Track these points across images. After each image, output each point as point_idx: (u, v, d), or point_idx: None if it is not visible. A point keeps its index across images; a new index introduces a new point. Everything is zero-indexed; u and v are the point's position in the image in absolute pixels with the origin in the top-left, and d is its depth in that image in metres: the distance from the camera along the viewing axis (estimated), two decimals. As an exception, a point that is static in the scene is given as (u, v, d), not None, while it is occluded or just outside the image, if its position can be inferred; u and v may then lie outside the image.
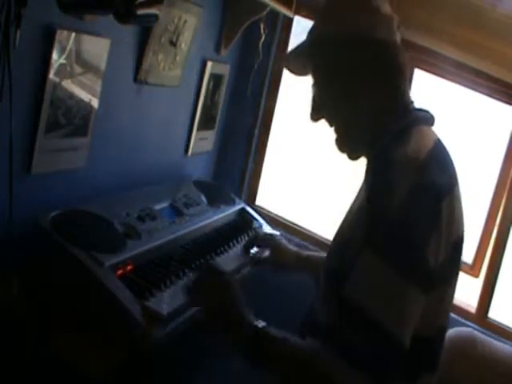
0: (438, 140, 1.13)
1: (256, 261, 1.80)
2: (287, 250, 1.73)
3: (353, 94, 1.11)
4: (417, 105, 1.20)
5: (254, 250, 1.85)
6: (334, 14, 1.14)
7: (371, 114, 1.11)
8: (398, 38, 1.13)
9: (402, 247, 0.95)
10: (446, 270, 1.04)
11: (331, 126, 1.16)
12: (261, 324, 1.04)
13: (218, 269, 1.22)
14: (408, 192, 0.96)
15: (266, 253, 1.80)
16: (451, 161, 1.12)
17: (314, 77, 1.16)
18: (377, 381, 0.92)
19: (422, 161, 1.02)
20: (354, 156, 1.18)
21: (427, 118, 1.16)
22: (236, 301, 1.09)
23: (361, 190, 1.16)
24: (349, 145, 1.17)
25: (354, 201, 1.18)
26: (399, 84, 1.13)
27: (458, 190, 1.10)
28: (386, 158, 1.03)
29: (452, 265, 1.07)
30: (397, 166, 1.00)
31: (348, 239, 1.06)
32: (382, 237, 0.96)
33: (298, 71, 1.22)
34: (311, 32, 1.17)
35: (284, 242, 1.80)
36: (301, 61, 1.17)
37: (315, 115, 1.17)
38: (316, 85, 1.16)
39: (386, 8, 1.12)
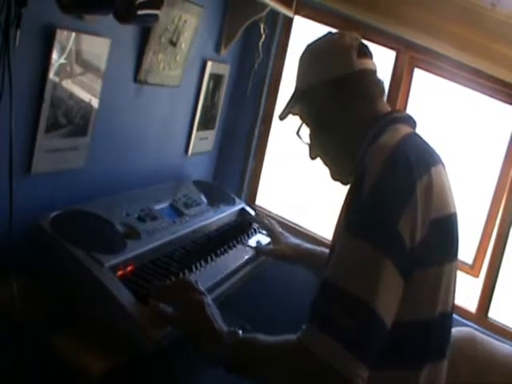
0: (414, 132, 1.20)
1: (257, 252, 1.83)
2: (287, 240, 1.77)
3: (330, 129, 1.26)
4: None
5: (251, 242, 1.89)
6: (300, 72, 1.31)
7: (349, 139, 1.22)
8: (359, 62, 1.23)
9: (372, 221, 0.99)
10: (430, 249, 1.03)
11: (323, 161, 1.33)
12: (238, 333, 1.09)
13: (194, 286, 1.26)
14: (379, 172, 1.01)
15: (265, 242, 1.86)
16: (428, 147, 1.17)
17: (304, 122, 1.32)
18: (357, 354, 0.92)
19: (393, 145, 1.07)
20: (345, 181, 1.30)
21: (403, 118, 1.23)
22: (208, 320, 1.14)
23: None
24: (338, 171, 1.31)
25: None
26: (368, 104, 1.23)
27: (439, 172, 1.12)
28: (364, 153, 1.10)
29: (438, 245, 1.06)
30: (370, 154, 1.07)
31: (334, 231, 1.16)
32: (355, 216, 1.01)
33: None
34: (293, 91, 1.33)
35: (285, 233, 1.86)
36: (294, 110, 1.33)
37: (312, 154, 1.34)
38: (308, 128, 1.32)
39: (345, 40, 1.24)
